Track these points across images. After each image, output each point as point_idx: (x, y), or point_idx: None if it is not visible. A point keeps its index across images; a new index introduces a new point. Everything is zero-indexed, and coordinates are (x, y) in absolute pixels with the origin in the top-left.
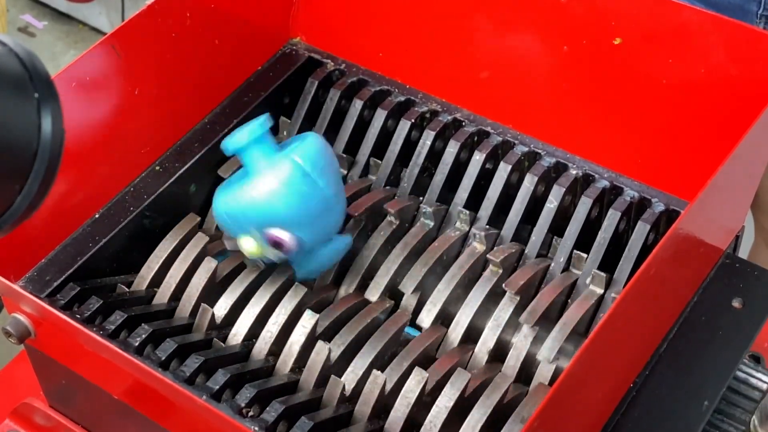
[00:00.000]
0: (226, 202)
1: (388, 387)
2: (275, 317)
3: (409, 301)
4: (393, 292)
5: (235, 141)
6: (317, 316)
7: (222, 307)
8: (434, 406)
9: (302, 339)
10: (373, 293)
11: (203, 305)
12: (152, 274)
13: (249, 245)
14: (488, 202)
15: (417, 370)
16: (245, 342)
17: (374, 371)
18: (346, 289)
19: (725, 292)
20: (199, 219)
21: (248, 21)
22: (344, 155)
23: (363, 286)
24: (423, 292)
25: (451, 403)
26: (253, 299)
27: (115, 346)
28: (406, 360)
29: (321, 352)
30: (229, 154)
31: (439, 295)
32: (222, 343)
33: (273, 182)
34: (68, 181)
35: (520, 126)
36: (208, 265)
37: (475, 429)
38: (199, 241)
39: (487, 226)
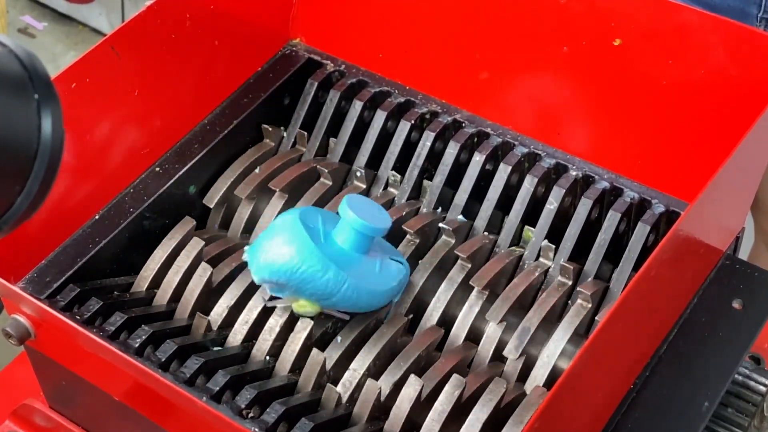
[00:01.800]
0: (343, 293)
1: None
2: (274, 318)
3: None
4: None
5: (367, 226)
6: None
7: (221, 308)
8: (432, 410)
9: (302, 341)
10: None
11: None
12: (152, 275)
13: (304, 310)
14: (488, 203)
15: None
16: (245, 343)
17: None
18: None
19: (725, 293)
20: (194, 223)
21: (248, 22)
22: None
23: None
24: (425, 291)
25: (450, 407)
26: (252, 301)
27: (115, 348)
28: (402, 363)
29: (318, 355)
30: (344, 220)
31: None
32: (221, 345)
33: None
34: (68, 182)
35: (519, 127)
36: (205, 268)
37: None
38: (197, 243)
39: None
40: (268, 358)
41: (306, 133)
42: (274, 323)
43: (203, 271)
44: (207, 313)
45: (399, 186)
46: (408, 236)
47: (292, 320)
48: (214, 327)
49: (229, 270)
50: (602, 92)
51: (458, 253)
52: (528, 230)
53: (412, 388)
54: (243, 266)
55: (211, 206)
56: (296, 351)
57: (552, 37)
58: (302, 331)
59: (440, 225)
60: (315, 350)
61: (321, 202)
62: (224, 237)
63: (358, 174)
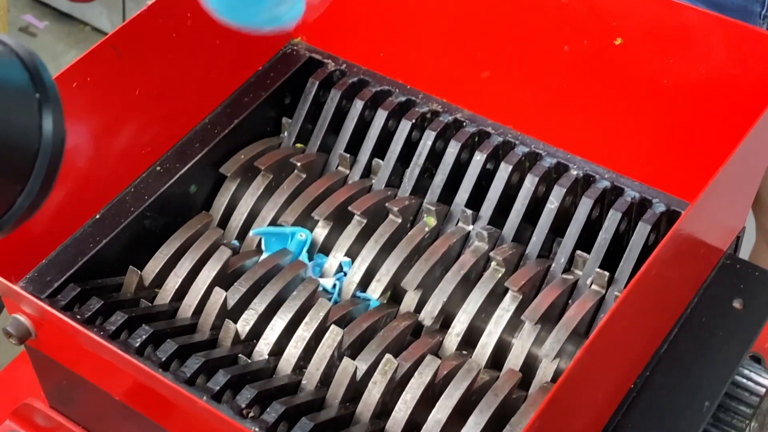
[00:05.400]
0: None
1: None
2: (278, 317)
3: (410, 299)
4: (394, 292)
5: None
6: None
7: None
8: (437, 407)
9: (304, 341)
10: (375, 292)
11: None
12: (154, 275)
13: None
14: (489, 202)
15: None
16: (246, 343)
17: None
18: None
19: (726, 293)
20: (210, 219)
21: None
22: (346, 154)
23: (364, 284)
24: (425, 290)
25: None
26: (256, 299)
27: (116, 347)
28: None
29: (327, 354)
30: None
31: (441, 293)
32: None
33: None
34: (69, 181)
35: (520, 126)
36: (214, 265)
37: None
38: (204, 242)
39: (489, 226)
40: (268, 357)
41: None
42: (280, 323)
43: (214, 265)
44: (208, 312)
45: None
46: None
47: (296, 320)
48: (212, 326)
49: (235, 266)
50: (603, 91)
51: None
52: None
53: (410, 395)
54: (247, 267)
55: (230, 172)
56: (299, 350)
57: (553, 36)
58: (306, 332)
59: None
60: (322, 353)
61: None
62: (219, 232)
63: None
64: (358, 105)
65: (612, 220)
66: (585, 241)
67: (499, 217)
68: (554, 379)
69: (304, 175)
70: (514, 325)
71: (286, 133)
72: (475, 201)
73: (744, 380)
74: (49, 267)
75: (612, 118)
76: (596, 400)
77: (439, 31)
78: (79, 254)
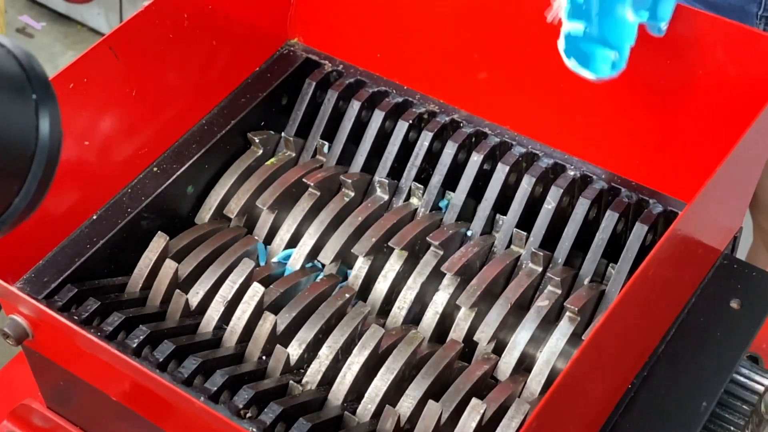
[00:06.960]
0: None
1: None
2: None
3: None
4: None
5: None
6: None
7: (218, 308)
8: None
9: (304, 345)
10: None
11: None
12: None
13: None
14: (486, 203)
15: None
16: (242, 343)
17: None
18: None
19: (723, 293)
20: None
21: (246, 22)
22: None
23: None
24: (422, 303)
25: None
26: (245, 299)
27: (113, 348)
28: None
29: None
30: None
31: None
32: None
33: None
34: (66, 182)
35: (517, 127)
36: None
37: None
38: (207, 246)
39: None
40: (264, 357)
41: (293, 139)
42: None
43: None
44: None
45: (398, 189)
46: (432, 247)
47: (298, 324)
48: (211, 327)
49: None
50: (600, 92)
51: (445, 269)
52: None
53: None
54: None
55: (206, 221)
56: (299, 352)
57: (550, 36)
58: (311, 329)
59: (427, 239)
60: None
61: (316, 209)
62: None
63: (350, 180)
64: (355, 106)
65: (609, 220)
66: (582, 242)
67: (495, 219)
68: (552, 380)
69: (276, 212)
70: (513, 324)
71: (283, 134)
72: (472, 202)
73: (742, 379)
74: (46, 268)
75: (609, 118)
76: (594, 399)
77: (436, 31)
78: (77, 255)
